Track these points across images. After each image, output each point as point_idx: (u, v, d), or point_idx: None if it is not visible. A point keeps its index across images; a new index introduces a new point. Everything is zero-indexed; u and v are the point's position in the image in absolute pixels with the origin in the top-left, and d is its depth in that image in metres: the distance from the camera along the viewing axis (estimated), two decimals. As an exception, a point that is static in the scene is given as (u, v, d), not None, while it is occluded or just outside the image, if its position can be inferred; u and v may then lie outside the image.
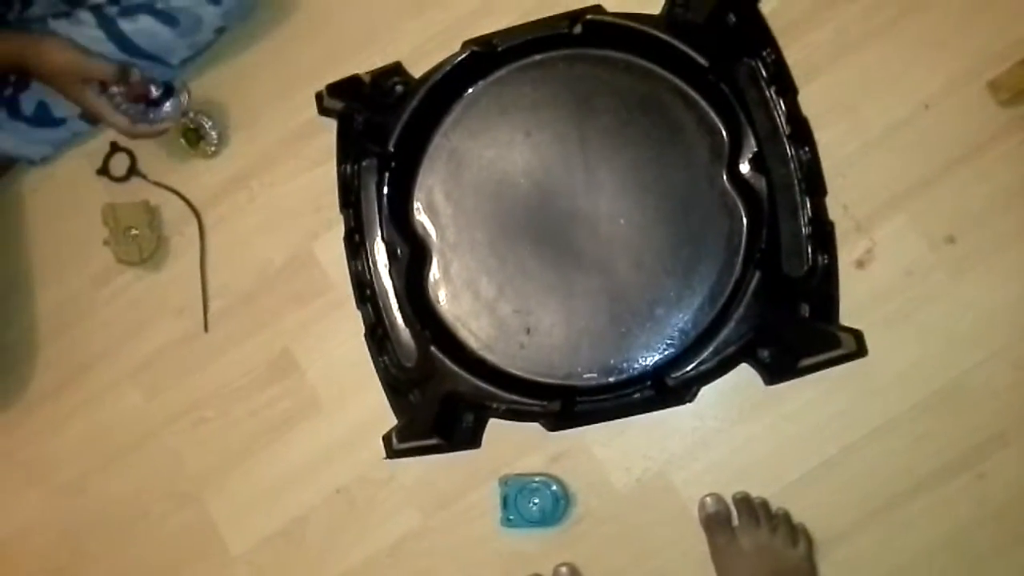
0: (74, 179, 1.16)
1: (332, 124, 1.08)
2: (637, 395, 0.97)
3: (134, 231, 1.11)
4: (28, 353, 1.14)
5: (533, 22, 1.04)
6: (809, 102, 0.99)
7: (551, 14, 1.03)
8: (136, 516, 1.10)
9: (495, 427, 1.02)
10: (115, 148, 1.15)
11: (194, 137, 1.12)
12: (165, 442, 1.10)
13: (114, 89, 1.01)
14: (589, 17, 1.01)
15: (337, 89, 1.07)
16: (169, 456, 1.10)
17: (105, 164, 1.15)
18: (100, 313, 1.13)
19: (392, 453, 1.01)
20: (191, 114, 1.11)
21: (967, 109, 0.98)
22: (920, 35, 1.00)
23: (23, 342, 1.14)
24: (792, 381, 0.97)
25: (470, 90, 1.06)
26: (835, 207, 0.98)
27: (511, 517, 1.00)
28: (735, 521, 0.97)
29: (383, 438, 1.02)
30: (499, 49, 1.03)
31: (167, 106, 1.05)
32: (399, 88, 1.06)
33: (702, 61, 0.98)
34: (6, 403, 1.14)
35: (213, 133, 1.12)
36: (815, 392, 0.98)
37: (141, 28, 1.03)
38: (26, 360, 1.14)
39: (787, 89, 0.99)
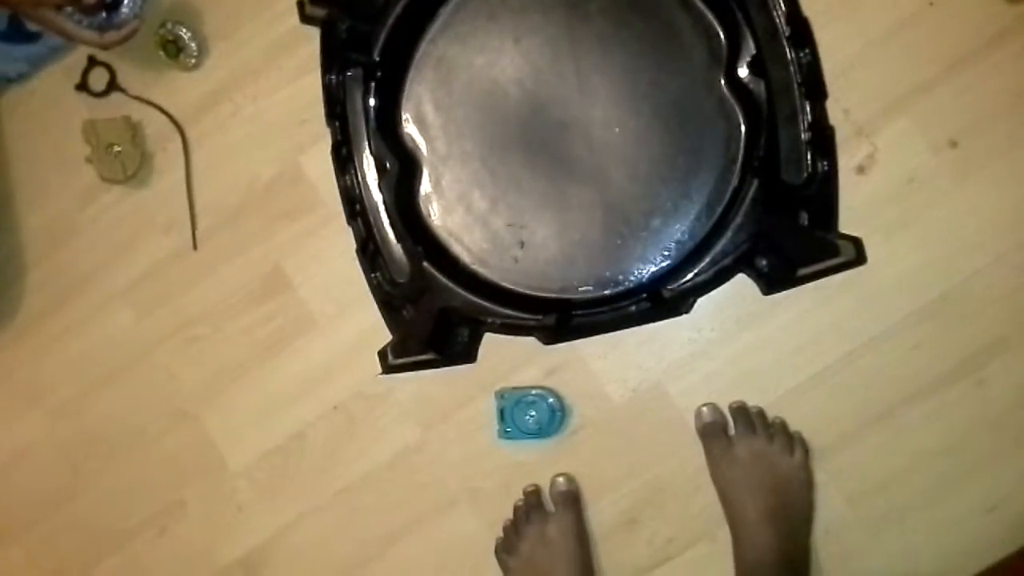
0: (53, 96, 1.12)
1: (316, 32, 1.04)
2: (633, 307, 0.96)
3: (117, 148, 1.08)
4: (17, 275, 1.13)
5: (522, -80, 0.99)
6: (810, 1, 0.95)
7: (541, -90, 0.99)
8: (134, 434, 1.10)
9: (490, 341, 1.01)
10: (93, 62, 1.11)
11: (173, 49, 1.08)
12: (159, 360, 1.10)
13: (68, 8, 0.97)
14: (581, -87, 0.96)
15: (319, -6, 1.03)
16: (164, 374, 1.10)
17: (84, 79, 1.11)
18: (87, 232, 1.12)
19: (388, 369, 1.01)
20: (168, 24, 1.07)
21: (973, 6, 0.94)
22: (926, -73, 0.96)
23: (11, 264, 1.13)
24: (790, 291, 0.95)
25: (457, -6, 1.02)
26: (836, 111, 0.95)
27: (508, 430, 1.00)
28: (731, 430, 0.97)
29: (378, 354, 1.01)
30: (487, -51, 0.99)
31: (125, 4, 1.00)
32: (384, -7, 1.02)
33: (698, -43, 0.94)
34: (-3, 327, 1.13)
35: (192, 44, 1.08)
36: (813, 301, 0.97)
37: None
38: (15, 282, 1.13)
39: (787, -13, 0.95)
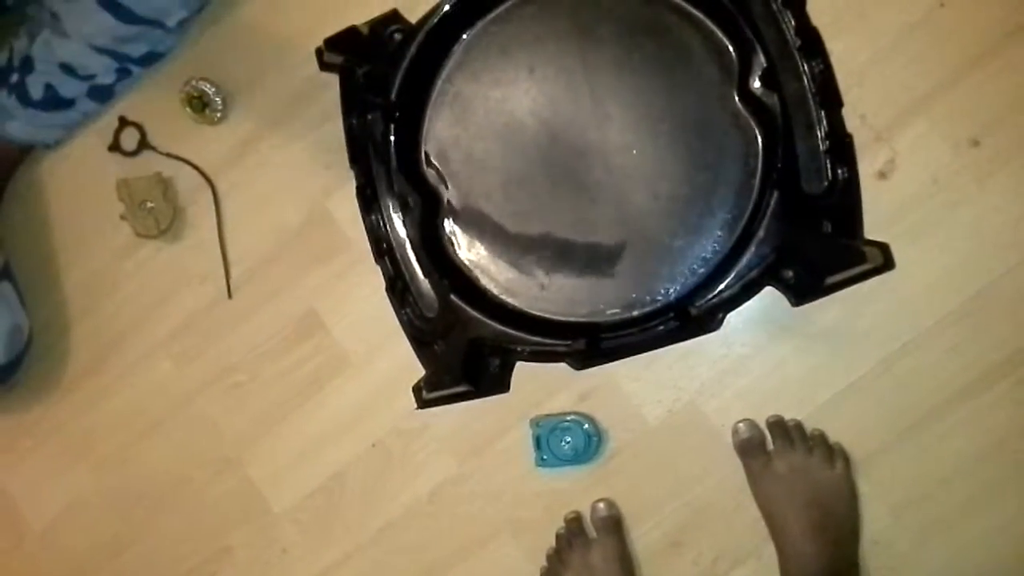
0: (87, 158, 1.16)
1: (335, 79, 1.06)
2: (662, 327, 0.96)
3: (150, 204, 1.11)
4: (61, 333, 1.17)
5: (528, -46, 1.01)
6: (819, 11, 0.94)
7: (546, -55, 1.00)
8: (179, 482, 1.13)
9: (523, 369, 1.02)
10: (124, 123, 1.15)
11: (199, 104, 1.11)
12: (200, 409, 1.12)
13: None
14: (586, -58, 0.98)
15: (335, 42, 1.05)
16: (206, 422, 1.12)
17: (116, 139, 1.15)
18: (125, 287, 1.15)
19: (423, 403, 1.02)
20: (193, 81, 1.11)
21: (987, 3, 0.94)
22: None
23: (55, 323, 1.17)
24: (819, 300, 0.94)
25: (469, 32, 1.04)
26: (852, 118, 0.95)
27: (545, 457, 1.00)
28: (770, 445, 0.96)
29: (413, 389, 1.02)
30: (496, -13, 1.01)
31: None
32: (397, 36, 1.04)
33: (705, -24, 0.95)
34: (46, 384, 1.17)
35: (217, 99, 1.11)
36: (843, 310, 0.96)
37: (134, -9, 1.02)
38: (60, 340, 1.17)
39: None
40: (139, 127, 1.15)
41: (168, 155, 1.14)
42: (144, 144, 1.15)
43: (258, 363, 1.10)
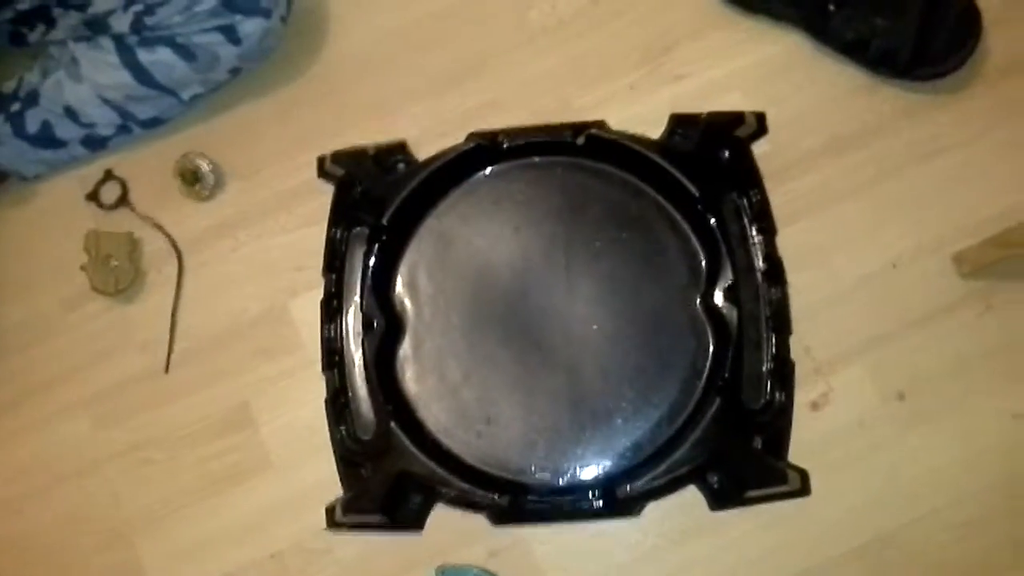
0: (61, 200, 1.16)
1: (328, 188, 1.10)
2: (586, 502, 0.99)
3: (114, 261, 1.10)
4: (-17, 366, 1.13)
5: (539, 127, 1.08)
6: (786, 244, 1.03)
7: (558, 121, 1.07)
8: (64, 545, 1.07)
9: (439, 513, 1.02)
10: (109, 176, 1.16)
11: (191, 178, 1.13)
12: (107, 476, 1.08)
13: None
14: (592, 132, 1.05)
15: (341, 156, 1.10)
16: (109, 491, 1.07)
17: (96, 190, 1.15)
18: (64, 336, 1.12)
19: (334, 525, 1.01)
20: (191, 155, 1.12)
21: (931, 275, 1.04)
22: (896, 198, 1.06)
23: (-17, 353, 1.13)
24: (735, 510, 0.99)
25: (469, 179, 1.09)
26: (798, 347, 1.02)
27: (441, 608, 0.99)
28: (663, 641, 0.97)
29: (326, 508, 1.01)
30: (503, 146, 1.07)
31: None
32: (401, 166, 1.09)
33: (693, 190, 1.03)
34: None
35: (210, 177, 1.13)
36: (755, 524, 1.00)
37: (158, 60, 1.05)
38: (-21, 373, 1.12)
39: (767, 229, 1.03)
40: (123, 183, 1.15)
41: (145, 218, 1.14)
42: (123, 201, 1.15)
43: (177, 445, 1.08)
